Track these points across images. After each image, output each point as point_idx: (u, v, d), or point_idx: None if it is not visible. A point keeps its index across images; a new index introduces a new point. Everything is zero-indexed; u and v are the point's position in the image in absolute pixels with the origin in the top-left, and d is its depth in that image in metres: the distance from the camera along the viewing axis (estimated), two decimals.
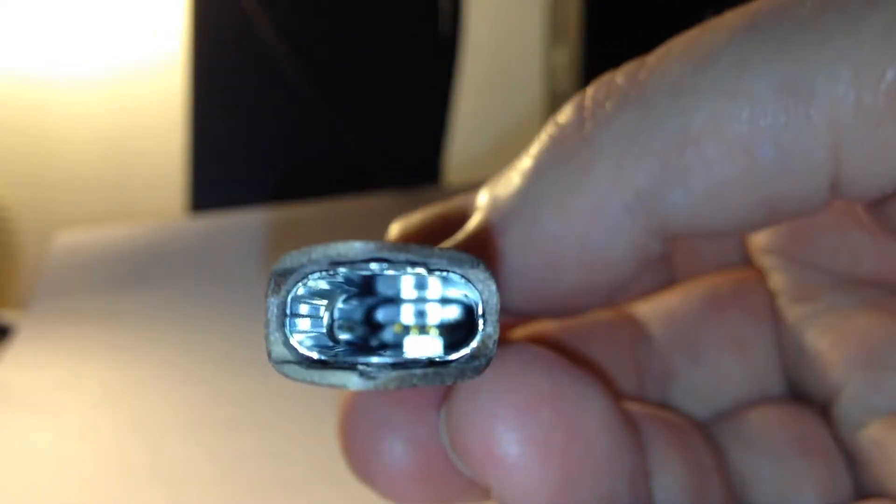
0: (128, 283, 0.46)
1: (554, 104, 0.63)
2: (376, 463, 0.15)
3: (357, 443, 0.15)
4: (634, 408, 0.16)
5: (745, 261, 0.19)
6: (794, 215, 0.14)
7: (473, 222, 0.16)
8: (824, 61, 0.13)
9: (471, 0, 0.54)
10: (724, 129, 0.13)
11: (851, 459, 0.16)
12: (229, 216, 0.50)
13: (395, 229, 0.17)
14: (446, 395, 0.14)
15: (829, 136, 0.13)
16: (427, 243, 0.16)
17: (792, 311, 0.18)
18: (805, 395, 0.17)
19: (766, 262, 0.18)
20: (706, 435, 0.17)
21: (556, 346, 0.17)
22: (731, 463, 0.17)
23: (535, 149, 0.15)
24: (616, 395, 0.16)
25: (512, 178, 0.15)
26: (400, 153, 0.52)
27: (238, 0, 0.49)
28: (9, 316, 0.46)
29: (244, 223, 0.49)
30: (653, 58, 0.14)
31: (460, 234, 0.16)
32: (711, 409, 0.18)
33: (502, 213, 0.15)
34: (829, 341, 0.17)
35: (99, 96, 0.58)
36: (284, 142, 0.53)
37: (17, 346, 0.42)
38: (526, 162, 0.15)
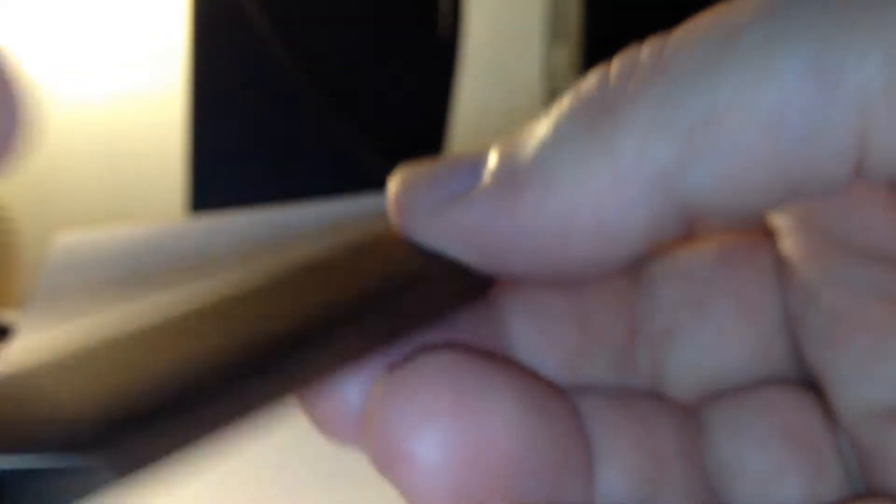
0: (128, 283, 0.46)
1: (554, 104, 0.63)
2: (328, 408, 0.16)
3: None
4: (588, 399, 0.16)
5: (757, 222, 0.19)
6: (814, 195, 0.14)
7: (487, 179, 0.15)
8: (854, 43, 0.12)
9: (471, 0, 0.54)
10: (751, 108, 0.13)
11: (850, 450, 0.16)
12: (229, 216, 0.50)
13: (397, 180, 0.17)
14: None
15: (858, 118, 0.13)
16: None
17: (799, 280, 0.17)
18: (805, 371, 0.17)
19: (778, 222, 0.18)
20: (682, 417, 0.17)
21: (547, 291, 0.17)
22: (714, 447, 0.17)
23: (554, 116, 0.15)
24: (549, 392, 0.16)
25: (529, 141, 0.15)
26: (400, 153, 0.52)
27: (238, 0, 0.49)
28: (9, 316, 0.46)
29: (244, 223, 0.49)
30: (677, 34, 0.14)
31: (475, 192, 0.16)
32: (711, 374, 0.18)
33: (517, 176, 0.15)
34: (833, 321, 0.17)
35: (99, 96, 0.58)
36: (284, 142, 0.53)
37: (18, 346, 0.41)
38: (544, 127, 0.15)
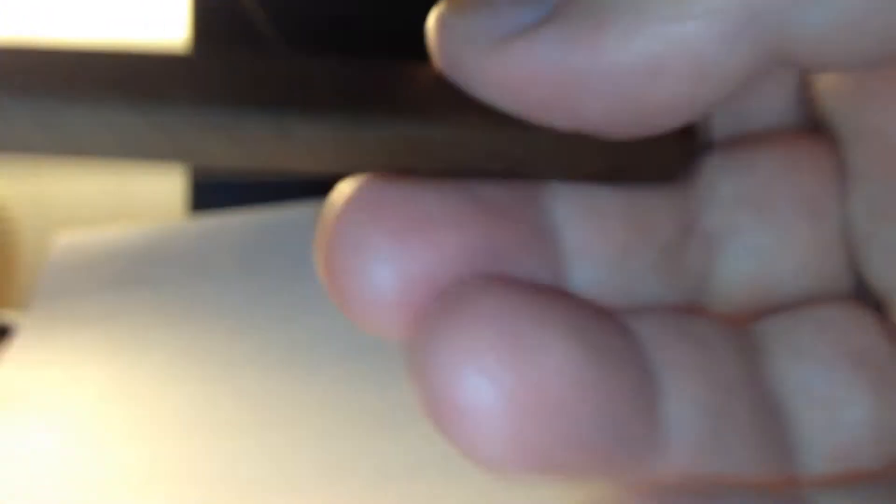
0: (128, 284, 0.46)
1: None
2: (357, 290, 0.14)
3: (338, 268, 0.14)
4: (644, 324, 0.15)
5: (800, 124, 0.17)
6: None
7: (561, 8, 0.14)
8: None
9: None
10: None
11: None
12: (229, 216, 0.50)
13: (443, 6, 0.15)
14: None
15: None
16: None
17: (866, 193, 0.16)
18: (861, 287, 0.16)
19: (842, 130, 0.17)
20: (738, 337, 0.16)
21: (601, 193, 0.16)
22: (775, 369, 0.16)
23: None
24: (605, 323, 0.14)
25: None
26: None
27: (239, 1, 0.49)
28: (9, 316, 0.46)
29: (244, 223, 0.49)
30: None
31: (546, 21, 0.14)
32: (765, 281, 0.16)
33: (599, 5, 0.13)
34: (892, 233, 0.15)
35: None
36: None
37: (17, 346, 0.41)
38: None
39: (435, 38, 0.15)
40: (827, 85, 0.17)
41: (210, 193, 0.52)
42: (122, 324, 0.43)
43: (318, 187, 0.51)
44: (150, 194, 0.59)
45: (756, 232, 0.16)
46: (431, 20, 0.15)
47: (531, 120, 0.14)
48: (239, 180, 0.53)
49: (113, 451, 0.34)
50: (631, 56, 0.13)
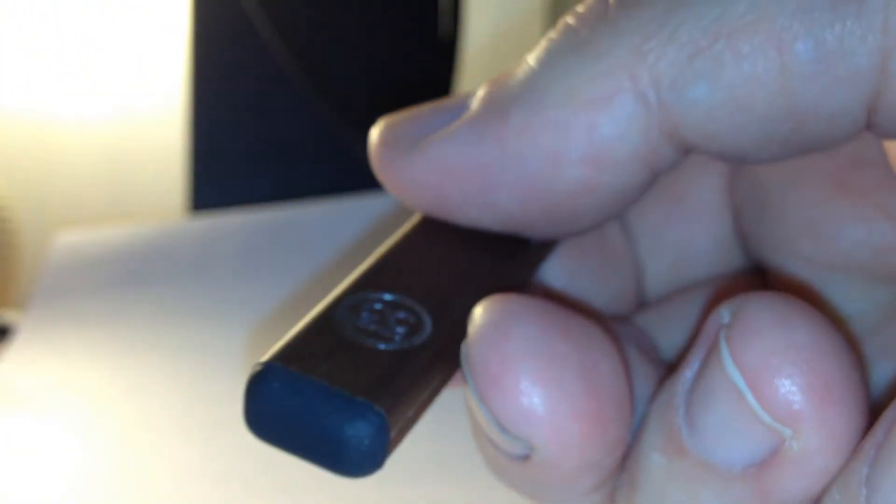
0: (128, 283, 0.46)
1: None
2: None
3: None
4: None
5: None
6: (818, 140, 0.13)
7: (474, 105, 0.15)
8: None
9: (471, 0, 0.54)
10: (763, 22, 0.12)
11: None
12: (229, 216, 0.50)
13: (379, 123, 0.16)
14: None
15: (879, 41, 0.12)
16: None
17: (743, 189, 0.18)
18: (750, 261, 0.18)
19: None
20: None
21: None
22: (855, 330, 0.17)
23: (549, 36, 0.14)
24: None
25: (521, 65, 0.14)
26: None
27: (238, 1, 0.49)
28: (9, 316, 0.46)
29: (244, 223, 0.49)
30: None
31: (459, 121, 0.15)
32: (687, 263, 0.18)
33: (505, 99, 0.14)
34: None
35: (99, 95, 0.58)
36: (285, 141, 0.53)
37: (17, 346, 0.41)
38: (538, 49, 0.14)
39: (370, 147, 0.16)
40: None
41: (210, 193, 0.52)
42: (122, 323, 0.43)
43: (318, 188, 0.51)
44: (150, 194, 0.59)
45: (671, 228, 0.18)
46: (371, 136, 0.16)
47: (453, 219, 0.15)
48: (239, 180, 0.53)
49: (113, 451, 0.34)
50: (532, 140, 0.14)
